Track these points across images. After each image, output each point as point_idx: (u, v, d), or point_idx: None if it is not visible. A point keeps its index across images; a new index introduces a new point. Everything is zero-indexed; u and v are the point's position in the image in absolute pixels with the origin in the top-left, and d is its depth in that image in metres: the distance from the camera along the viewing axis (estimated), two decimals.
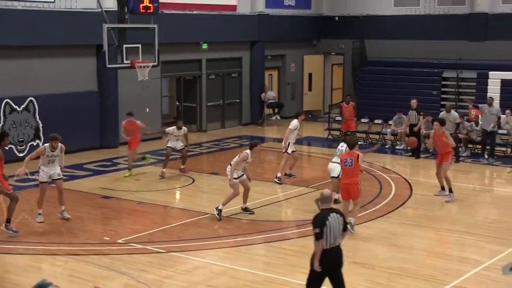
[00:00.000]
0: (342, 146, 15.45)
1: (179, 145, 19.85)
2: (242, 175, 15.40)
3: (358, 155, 13.84)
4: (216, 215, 15.11)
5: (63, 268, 12.24)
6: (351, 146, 13.93)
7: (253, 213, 15.49)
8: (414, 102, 22.66)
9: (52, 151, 14.69)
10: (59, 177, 14.96)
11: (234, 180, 15.15)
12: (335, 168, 15.64)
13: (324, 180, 18.54)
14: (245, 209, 15.60)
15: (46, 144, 14.85)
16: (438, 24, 29.45)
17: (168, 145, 19.73)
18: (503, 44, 27.76)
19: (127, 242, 13.59)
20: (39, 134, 21.66)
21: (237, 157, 15.34)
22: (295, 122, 18.61)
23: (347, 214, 13.50)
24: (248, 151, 15.35)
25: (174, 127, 19.84)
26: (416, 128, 22.10)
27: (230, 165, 15.25)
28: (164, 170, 19.42)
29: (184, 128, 19.92)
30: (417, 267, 12.29)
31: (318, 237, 9.34)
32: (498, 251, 13.09)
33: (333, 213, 9.53)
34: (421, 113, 22.47)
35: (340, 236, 9.54)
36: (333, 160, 16.00)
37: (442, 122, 17.41)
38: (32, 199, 15.69)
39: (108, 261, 12.56)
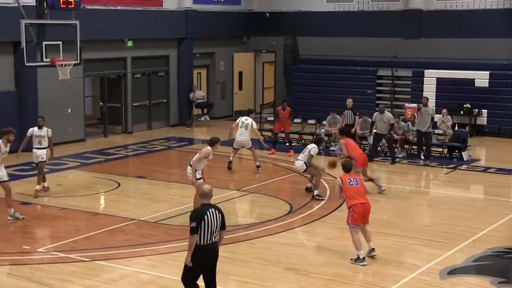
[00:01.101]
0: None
1: (41, 153, 17.38)
2: (201, 178, 15.20)
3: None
4: None
5: None
6: (348, 170, 13.28)
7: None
8: (349, 102, 23.00)
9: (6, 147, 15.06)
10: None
11: (198, 181, 14.97)
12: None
13: (254, 184, 18.66)
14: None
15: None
16: (372, 21, 29.90)
17: (33, 159, 17.61)
18: (438, 41, 28.39)
19: (48, 251, 13.40)
20: None
21: (197, 154, 15.20)
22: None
23: (367, 238, 13.05)
24: (209, 147, 15.23)
25: (35, 127, 17.62)
26: (352, 130, 22.39)
27: (190, 165, 15.12)
28: (38, 187, 17.65)
29: (48, 129, 17.60)
30: (353, 272, 12.44)
31: (193, 231, 9.60)
32: (435, 255, 13.33)
33: (212, 209, 9.77)
34: (357, 113, 22.81)
35: (217, 233, 9.78)
36: (299, 158, 17.89)
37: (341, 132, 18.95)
38: None
39: (27, 272, 12.35)
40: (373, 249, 13.05)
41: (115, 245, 13.91)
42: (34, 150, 17.47)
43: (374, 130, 22.10)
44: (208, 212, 9.69)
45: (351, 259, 12.89)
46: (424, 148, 21.98)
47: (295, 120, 25.91)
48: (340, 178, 13.08)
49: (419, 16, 28.95)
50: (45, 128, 17.49)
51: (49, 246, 13.66)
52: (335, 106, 25.00)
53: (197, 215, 9.67)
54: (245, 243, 14.04)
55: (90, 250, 13.47)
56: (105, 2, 25.87)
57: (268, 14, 32.26)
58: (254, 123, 20.81)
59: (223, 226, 9.92)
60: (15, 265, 12.75)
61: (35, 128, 17.49)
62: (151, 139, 26.13)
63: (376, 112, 22.22)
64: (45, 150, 17.46)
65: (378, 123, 21.91)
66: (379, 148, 22.75)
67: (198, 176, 15.10)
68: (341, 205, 16.90)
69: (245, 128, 20.57)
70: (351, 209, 12.84)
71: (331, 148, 23.93)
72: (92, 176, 19.92)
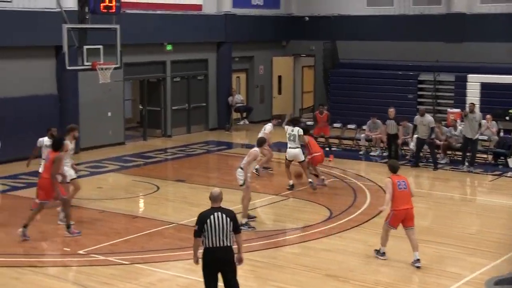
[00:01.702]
0: (293, 131, 18.53)
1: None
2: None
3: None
4: (247, 229, 14.97)
5: (20, 282, 12.13)
6: (395, 170, 13.34)
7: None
8: (391, 111, 22.44)
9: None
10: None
11: (248, 186, 15.26)
12: (299, 153, 18.45)
13: (296, 188, 18.65)
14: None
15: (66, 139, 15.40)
16: (413, 25, 29.68)
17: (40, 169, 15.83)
18: (481, 45, 28.03)
19: (88, 253, 13.54)
20: None
21: (246, 157, 15.34)
22: (269, 126, 19.86)
23: (414, 247, 13.02)
24: (256, 148, 15.49)
25: (45, 137, 16.47)
26: (399, 141, 22.13)
27: (241, 168, 15.26)
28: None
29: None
30: (393, 280, 12.37)
31: (194, 234, 9.85)
32: (481, 264, 13.12)
33: (219, 213, 9.83)
34: (401, 123, 22.26)
35: (228, 237, 9.79)
36: (290, 146, 18.33)
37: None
38: None
39: (68, 274, 12.54)
40: (418, 260, 12.90)
41: (154, 248, 14.01)
42: (43, 161, 15.92)
43: (416, 135, 21.94)
44: (212, 216, 9.78)
45: (374, 250, 13.37)
46: (468, 154, 21.75)
47: (335, 125, 25.86)
48: (391, 179, 13.03)
49: (462, 20, 28.67)
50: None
51: (89, 248, 13.79)
52: (376, 111, 24.89)
53: (199, 218, 9.84)
54: (284, 249, 14.07)
55: (129, 253, 13.59)
56: (145, 7, 26.09)
57: (307, 18, 32.22)
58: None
59: (236, 230, 9.93)
60: (56, 266, 12.92)
61: (45, 138, 16.37)
62: (190, 143, 26.26)
63: (417, 116, 22.05)
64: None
65: (419, 126, 21.74)
66: (421, 154, 22.47)
67: (250, 180, 15.28)
68: (381, 211, 16.87)
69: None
70: (392, 212, 12.94)
71: (371, 153, 23.81)
72: (132, 179, 20.10)
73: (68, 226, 14.61)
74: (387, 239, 13.25)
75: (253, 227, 15.22)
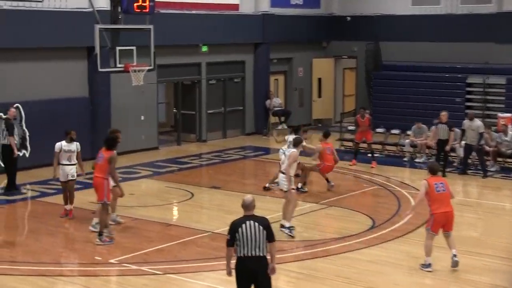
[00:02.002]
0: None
1: (70, 169, 16.48)
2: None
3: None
4: (289, 233, 15.13)
5: None
6: (435, 172, 13.40)
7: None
8: (444, 115, 21.80)
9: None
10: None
11: (292, 190, 15.31)
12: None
13: (334, 197, 18.58)
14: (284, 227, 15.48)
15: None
16: (461, 25, 29.41)
17: (60, 177, 16.53)
18: None
19: (121, 263, 13.57)
20: (26, 144, 21.69)
21: (286, 160, 15.43)
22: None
23: (451, 246, 13.19)
24: (294, 149, 15.56)
25: (63, 141, 16.54)
26: (447, 147, 21.48)
27: (283, 172, 15.36)
28: (68, 207, 16.68)
29: (77, 143, 16.71)
30: None
31: (227, 244, 9.85)
32: None
33: (251, 221, 9.77)
34: (453, 128, 21.69)
35: (261, 246, 9.72)
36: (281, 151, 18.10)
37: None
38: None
39: (99, 283, 12.57)
40: (455, 255, 13.07)
41: (188, 258, 14.02)
42: (62, 166, 16.44)
43: (464, 141, 21.69)
44: (244, 224, 9.74)
45: (419, 264, 13.18)
46: None
47: (378, 130, 25.69)
48: (427, 181, 13.05)
49: None
50: (74, 142, 16.57)
51: (121, 257, 13.83)
52: (421, 115, 24.73)
53: (231, 227, 9.82)
54: (324, 260, 13.96)
55: (162, 263, 13.60)
56: (180, 6, 26.19)
57: (349, 18, 32.10)
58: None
59: (270, 239, 9.85)
60: (87, 276, 12.98)
61: (63, 142, 16.38)
62: (226, 148, 26.28)
63: (465, 120, 21.80)
64: (74, 167, 16.52)
65: (468, 131, 21.49)
66: (469, 161, 22.22)
67: (293, 185, 15.32)
68: (428, 221, 16.68)
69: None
70: (432, 216, 12.99)
71: (416, 160, 23.62)
72: (165, 186, 20.16)
73: (100, 234, 14.65)
74: (431, 249, 13.12)
75: (293, 236, 15.18)
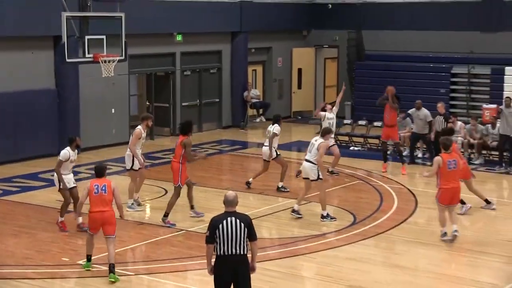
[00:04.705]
0: (270, 127, 18.65)
1: (72, 177, 15.82)
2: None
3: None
4: (330, 220, 16.13)
5: None
6: (447, 147, 14.53)
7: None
8: (440, 106, 22.03)
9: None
10: None
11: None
12: (265, 151, 18.76)
13: (314, 192, 18.56)
14: None
15: (139, 127, 17.03)
16: (446, 13, 29.53)
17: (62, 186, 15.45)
18: None
19: None
20: None
21: (316, 150, 16.09)
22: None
23: (452, 220, 14.69)
24: (323, 139, 16.36)
25: (67, 148, 15.43)
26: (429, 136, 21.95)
27: (311, 162, 16.12)
28: (80, 219, 15.43)
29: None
30: None
31: (206, 240, 9.80)
32: None
33: (232, 218, 9.73)
34: (451, 120, 21.96)
35: (241, 244, 9.69)
36: (264, 143, 18.77)
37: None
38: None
39: (67, 286, 12.48)
40: (456, 230, 14.50)
41: (161, 258, 13.96)
42: (67, 175, 15.53)
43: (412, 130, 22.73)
44: (225, 221, 9.69)
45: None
46: (505, 154, 21.64)
47: (360, 122, 25.73)
48: (441, 157, 14.46)
49: (499, 7, 28.46)
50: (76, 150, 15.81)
51: None
52: (404, 107, 24.69)
53: (211, 224, 9.78)
54: (304, 257, 13.98)
55: (134, 263, 13.61)
56: None
57: (330, 5, 32.08)
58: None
59: (252, 237, 9.82)
60: (54, 278, 12.90)
61: (70, 151, 15.35)
62: (201, 142, 26.19)
63: (412, 109, 22.45)
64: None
65: (416, 120, 22.24)
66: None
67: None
68: (409, 217, 16.76)
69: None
70: (440, 190, 14.53)
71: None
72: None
73: (165, 215, 15.91)
74: (445, 219, 14.59)
75: (335, 218, 16.30)
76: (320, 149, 15.95)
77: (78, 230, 15.27)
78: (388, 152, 22.80)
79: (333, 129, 21.17)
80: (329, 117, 21.02)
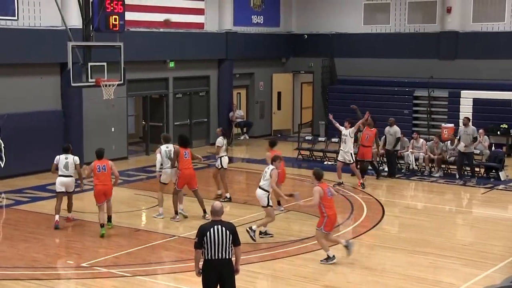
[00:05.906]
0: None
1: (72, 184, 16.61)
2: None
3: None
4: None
5: None
6: (320, 178, 13.69)
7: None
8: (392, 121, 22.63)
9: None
10: None
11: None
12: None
13: (292, 201, 18.52)
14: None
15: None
16: (408, 43, 29.70)
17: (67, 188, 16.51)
18: (474, 62, 28.05)
19: (92, 266, 13.42)
20: (1, 155, 21.33)
21: (268, 176, 15.06)
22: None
23: (325, 246, 13.75)
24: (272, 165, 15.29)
25: (66, 156, 16.58)
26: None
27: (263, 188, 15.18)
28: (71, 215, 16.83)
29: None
30: None
31: (195, 246, 9.85)
32: (473, 274, 13.11)
33: (219, 226, 9.75)
34: (414, 136, 22.79)
35: (227, 250, 9.72)
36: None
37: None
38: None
39: (71, 286, 12.43)
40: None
41: (156, 260, 13.96)
42: (71, 179, 16.56)
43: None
44: (212, 229, 9.70)
45: (320, 261, 13.63)
46: (467, 168, 21.84)
47: (333, 140, 25.60)
48: (321, 187, 13.46)
49: (455, 38, 28.66)
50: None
51: (92, 261, 13.68)
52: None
53: (199, 231, 9.80)
54: (284, 260, 13.95)
55: (132, 266, 13.50)
56: (148, 25, 26.07)
57: (306, 36, 32.19)
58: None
59: (236, 243, 9.85)
60: (60, 279, 12.85)
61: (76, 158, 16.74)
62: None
63: (387, 126, 22.32)
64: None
65: (387, 136, 22.21)
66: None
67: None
68: (378, 223, 16.78)
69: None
70: (326, 217, 13.51)
71: (369, 168, 23.62)
72: (134, 193, 20.00)
73: (204, 211, 16.82)
74: (327, 244, 13.76)
75: (271, 234, 15.57)
76: (272, 175, 14.95)
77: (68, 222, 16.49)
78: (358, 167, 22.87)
79: (342, 145, 21.04)
80: (344, 133, 20.87)
